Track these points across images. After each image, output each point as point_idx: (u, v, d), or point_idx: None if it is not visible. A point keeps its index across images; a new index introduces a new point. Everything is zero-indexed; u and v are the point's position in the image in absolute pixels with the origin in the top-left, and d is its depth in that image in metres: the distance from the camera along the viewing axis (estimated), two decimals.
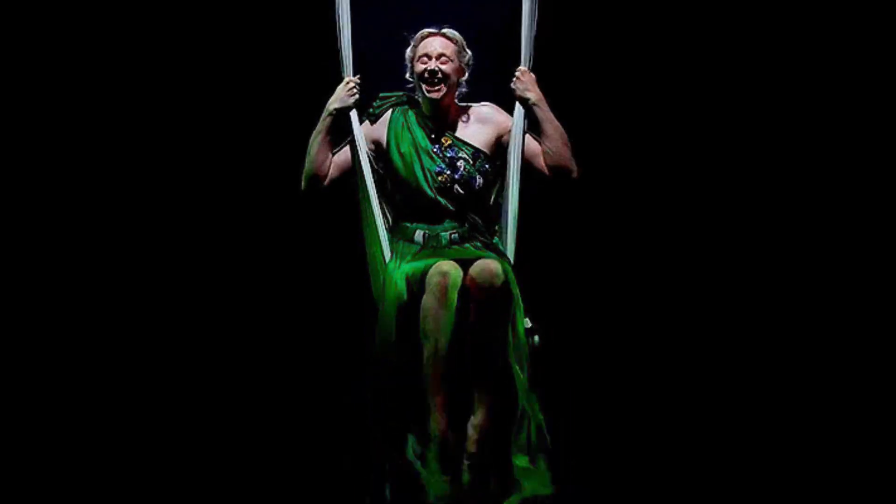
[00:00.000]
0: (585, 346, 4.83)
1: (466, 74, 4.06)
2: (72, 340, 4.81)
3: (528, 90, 3.96)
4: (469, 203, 3.99)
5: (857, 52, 4.79)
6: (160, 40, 4.81)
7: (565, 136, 3.97)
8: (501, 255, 3.92)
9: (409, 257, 3.89)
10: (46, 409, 4.73)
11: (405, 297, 3.79)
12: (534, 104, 3.96)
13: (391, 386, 3.83)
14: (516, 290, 3.83)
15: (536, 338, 3.89)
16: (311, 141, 4.02)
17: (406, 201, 4.01)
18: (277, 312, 4.89)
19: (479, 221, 4.00)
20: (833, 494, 4.22)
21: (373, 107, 4.10)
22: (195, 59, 4.83)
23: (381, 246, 3.94)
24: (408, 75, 4.07)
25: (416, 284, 3.79)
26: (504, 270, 3.76)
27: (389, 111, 4.08)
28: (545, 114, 3.97)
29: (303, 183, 4.06)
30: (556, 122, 3.97)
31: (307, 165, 4.03)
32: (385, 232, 3.96)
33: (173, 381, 4.82)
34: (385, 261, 3.92)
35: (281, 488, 4.36)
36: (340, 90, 4.00)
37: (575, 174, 3.99)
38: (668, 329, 4.88)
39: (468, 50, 4.05)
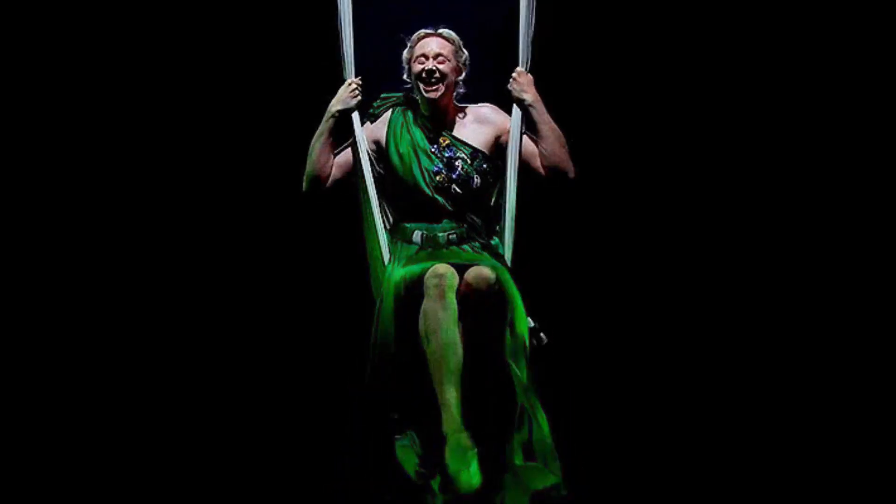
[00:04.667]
0: (584, 346, 4.83)
1: (464, 74, 4.06)
2: (75, 341, 4.82)
3: (525, 91, 3.98)
4: (467, 203, 3.99)
5: (856, 53, 4.79)
6: (161, 43, 4.83)
7: (562, 137, 3.98)
8: (498, 257, 3.93)
9: (405, 259, 3.89)
10: (50, 408, 4.74)
11: (403, 299, 3.79)
12: (529, 105, 3.97)
13: (388, 388, 3.83)
14: (514, 292, 3.83)
15: (543, 335, 3.90)
16: (312, 142, 4.03)
17: (405, 201, 4.01)
18: (277, 313, 4.89)
19: (478, 222, 4.00)
20: (833, 494, 4.22)
21: (373, 107, 4.11)
22: (196, 62, 4.85)
23: (380, 247, 3.95)
24: (405, 76, 4.08)
25: (414, 287, 3.78)
26: (498, 275, 3.78)
27: (389, 111, 4.10)
28: (541, 115, 3.98)
29: (304, 184, 4.06)
30: (553, 124, 3.98)
31: (309, 167, 4.04)
32: (385, 233, 3.97)
33: (173, 380, 4.83)
34: (384, 262, 3.93)
35: (281, 488, 4.37)
36: (343, 92, 4.02)
37: (571, 175, 4.00)
38: (667, 329, 4.88)
39: (465, 50, 4.06)
